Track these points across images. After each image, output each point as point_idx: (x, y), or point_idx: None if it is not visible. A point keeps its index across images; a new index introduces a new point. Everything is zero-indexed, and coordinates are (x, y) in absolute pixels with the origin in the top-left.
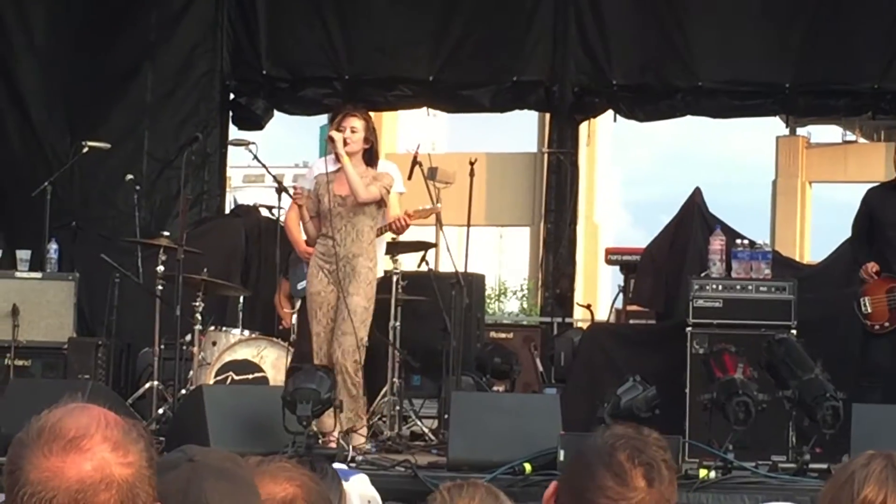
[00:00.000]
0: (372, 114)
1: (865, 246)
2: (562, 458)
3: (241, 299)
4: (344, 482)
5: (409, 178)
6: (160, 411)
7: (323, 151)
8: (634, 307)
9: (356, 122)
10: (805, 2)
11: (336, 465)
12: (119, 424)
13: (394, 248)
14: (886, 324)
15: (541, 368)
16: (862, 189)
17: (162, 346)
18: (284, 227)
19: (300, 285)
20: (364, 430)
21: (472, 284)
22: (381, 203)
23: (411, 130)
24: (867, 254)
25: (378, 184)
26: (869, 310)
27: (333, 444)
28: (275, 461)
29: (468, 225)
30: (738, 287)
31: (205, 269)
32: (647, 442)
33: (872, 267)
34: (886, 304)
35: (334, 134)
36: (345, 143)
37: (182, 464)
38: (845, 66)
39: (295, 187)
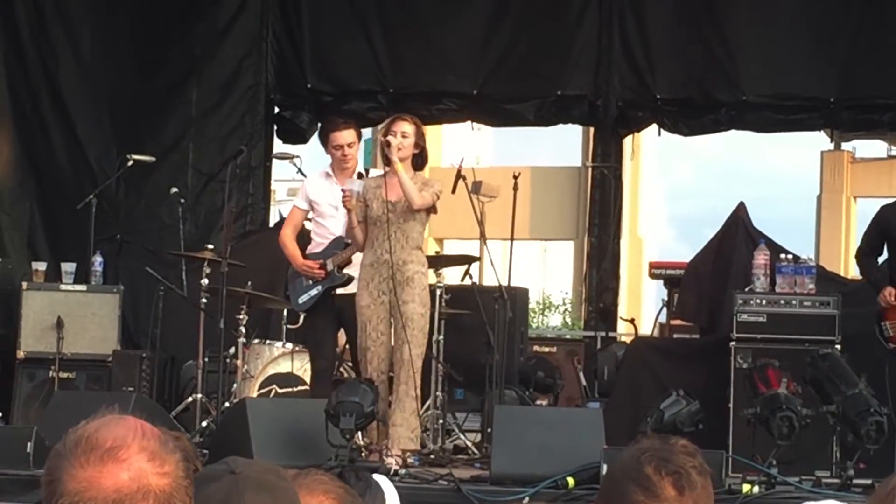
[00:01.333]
0: None
1: (875, 263)
2: (605, 472)
3: (285, 312)
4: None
5: (454, 191)
6: (204, 424)
7: (368, 165)
8: (678, 321)
9: (407, 127)
10: (849, 15)
11: (376, 477)
12: (155, 435)
13: (437, 262)
14: None
15: (584, 382)
16: None
17: (206, 359)
18: (280, 243)
19: (301, 299)
20: (397, 452)
21: (515, 298)
22: (430, 209)
23: (456, 144)
24: (883, 275)
25: (430, 190)
26: (891, 333)
27: (377, 458)
28: (311, 474)
29: (512, 239)
30: (782, 302)
31: (249, 282)
32: (672, 450)
33: (890, 293)
34: None
35: (391, 139)
36: (397, 149)
37: (224, 476)
38: (890, 81)
39: (344, 190)
